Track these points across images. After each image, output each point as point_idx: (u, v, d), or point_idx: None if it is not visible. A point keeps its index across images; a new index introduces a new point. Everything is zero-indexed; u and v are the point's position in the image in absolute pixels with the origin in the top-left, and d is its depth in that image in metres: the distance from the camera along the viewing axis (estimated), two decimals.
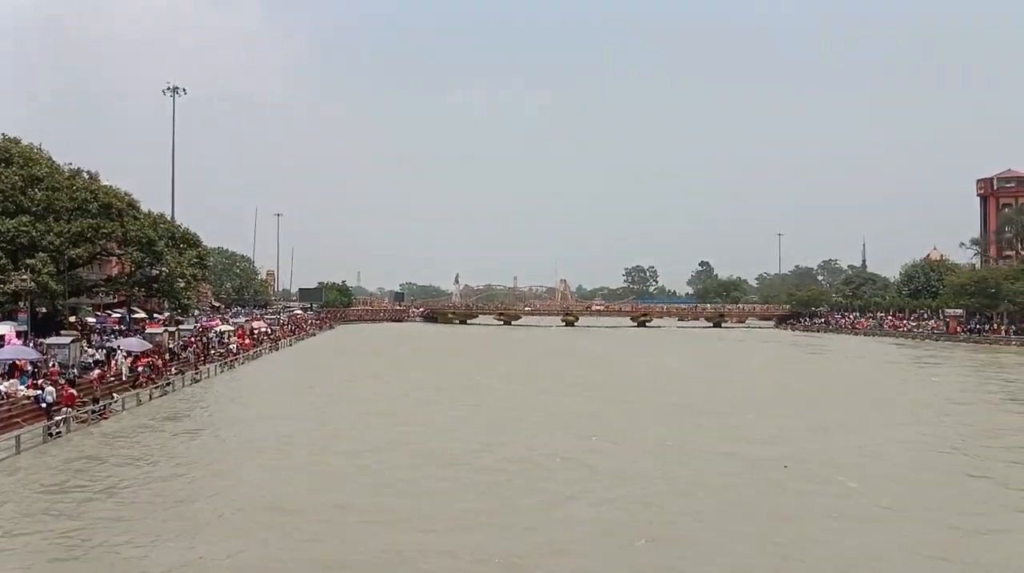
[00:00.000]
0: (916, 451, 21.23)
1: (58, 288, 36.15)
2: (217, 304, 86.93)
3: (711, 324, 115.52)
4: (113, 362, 32.62)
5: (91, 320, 43.76)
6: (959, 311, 79.67)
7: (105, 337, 38.74)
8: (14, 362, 26.20)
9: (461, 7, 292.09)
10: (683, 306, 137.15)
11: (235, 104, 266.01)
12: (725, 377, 41.12)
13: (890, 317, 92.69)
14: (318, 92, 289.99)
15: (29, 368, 26.40)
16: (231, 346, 49.46)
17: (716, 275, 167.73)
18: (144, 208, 44.78)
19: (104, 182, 42.40)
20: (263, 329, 64.32)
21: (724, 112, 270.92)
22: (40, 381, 25.53)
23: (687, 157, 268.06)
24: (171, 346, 40.72)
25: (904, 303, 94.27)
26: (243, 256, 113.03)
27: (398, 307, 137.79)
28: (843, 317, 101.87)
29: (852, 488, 16.84)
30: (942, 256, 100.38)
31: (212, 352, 45.60)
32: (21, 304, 33.89)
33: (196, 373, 38.09)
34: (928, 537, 13.69)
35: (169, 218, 50.63)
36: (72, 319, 40.31)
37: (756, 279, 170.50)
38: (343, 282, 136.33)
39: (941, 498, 16.33)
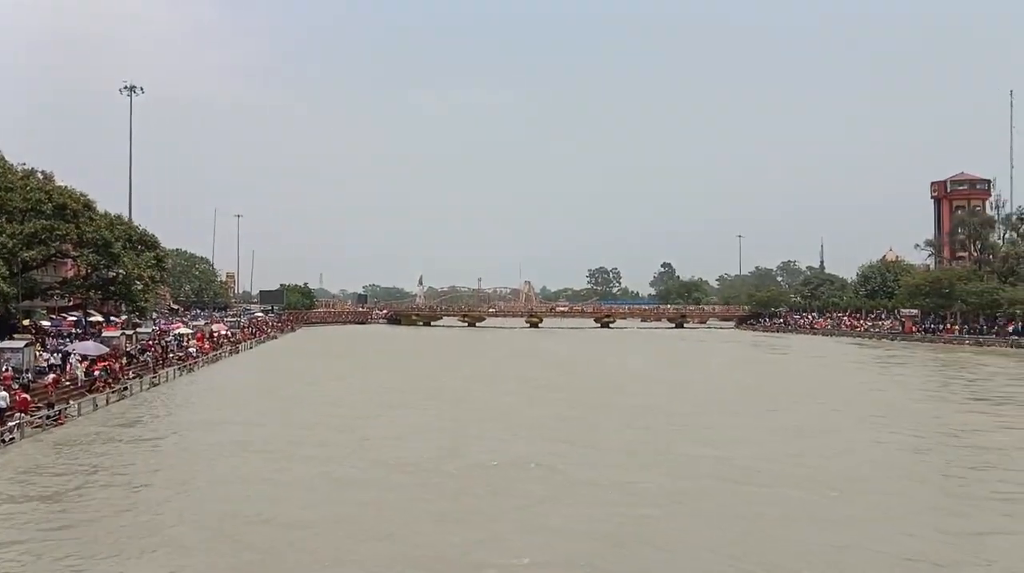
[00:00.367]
0: (888, 452, 21.26)
1: (11, 291, 35.23)
2: (176, 307, 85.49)
3: (673, 325, 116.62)
4: (68, 366, 31.90)
5: (46, 323, 42.74)
6: (914, 311, 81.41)
7: (60, 341, 37.87)
8: None
9: (437, 5, 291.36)
10: (645, 307, 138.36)
11: (193, 104, 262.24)
12: (690, 378, 41.42)
13: (847, 317, 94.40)
14: (278, 92, 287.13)
15: None
16: (190, 349, 48.68)
17: (678, 276, 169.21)
18: (101, 209, 43.92)
19: (59, 182, 41.51)
20: (223, 332, 63.39)
21: (677, 114, 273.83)
22: None
23: (653, 160, 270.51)
24: (129, 349, 39.93)
25: (861, 303, 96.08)
26: (202, 258, 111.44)
27: (361, 309, 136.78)
28: (802, 317, 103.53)
29: (825, 491, 16.63)
30: (898, 257, 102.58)
31: (171, 355, 44.82)
32: None
33: (154, 377, 37.40)
34: (904, 538, 13.63)
35: (126, 219, 49.78)
36: (26, 322, 39.37)
37: (717, 280, 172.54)
38: (305, 284, 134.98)
39: (916, 499, 16.36)
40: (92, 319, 48.53)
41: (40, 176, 40.88)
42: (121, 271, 42.92)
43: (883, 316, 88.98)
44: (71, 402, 27.25)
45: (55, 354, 33.16)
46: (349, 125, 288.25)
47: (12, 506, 15.50)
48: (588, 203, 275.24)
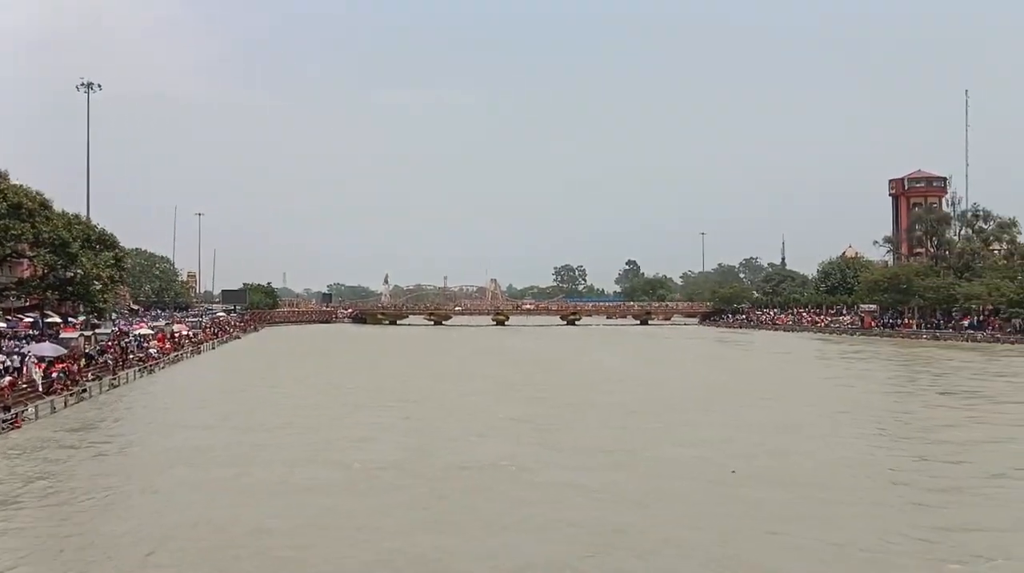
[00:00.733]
0: (863, 449, 21.07)
1: None
2: (136, 307, 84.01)
3: (638, 322, 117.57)
4: (25, 369, 31.16)
5: (1, 325, 41.67)
6: (873, 307, 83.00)
7: (17, 343, 36.97)
8: None
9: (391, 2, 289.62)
10: (611, 304, 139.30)
11: (154, 100, 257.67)
12: (659, 375, 41.34)
13: (808, 313, 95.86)
14: (240, 89, 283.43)
15: None
16: (151, 350, 47.88)
17: (643, 274, 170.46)
18: (58, 208, 43.02)
19: (15, 181, 40.54)
20: (184, 332, 62.48)
21: (644, 114, 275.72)
22: None
23: (617, 159, 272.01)
24: (87, 351, 39.14)
25: (822, 299, 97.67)
26: (163, 257, 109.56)
27: (326, 308, 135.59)
28: (764, 313, 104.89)
29: (805, 490, 16.42)
30: (857, 254, 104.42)
31: (131, 357, 44.04)
32: None
33: (114, 379, 36.69)
34: (885, 535, 13.49)
35: (84, 218, 48.84)
36: None
37: (681, 277, 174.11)
38: (268, 283, 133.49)
39: (895, 497, 16.29)
40: (49, 320, 47.44)
41: None
42: (79, 271, 42.13)
43: (843, 312, 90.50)
44: (28, 405, 26.63)
45: (11, 356, 32.33)
46: (313, 123, 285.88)
47: None
48: (553, 201, 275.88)
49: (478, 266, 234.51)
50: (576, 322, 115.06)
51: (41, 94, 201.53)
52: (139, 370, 41.23)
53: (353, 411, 28.46)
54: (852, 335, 79.05)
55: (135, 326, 55.10)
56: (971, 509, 15.39)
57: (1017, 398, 31.33)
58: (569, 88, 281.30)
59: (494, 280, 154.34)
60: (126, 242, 56.48)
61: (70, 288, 43.32)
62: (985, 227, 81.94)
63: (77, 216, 46.30)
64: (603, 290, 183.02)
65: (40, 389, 30.23)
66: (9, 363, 30.96)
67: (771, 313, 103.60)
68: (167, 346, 52.33)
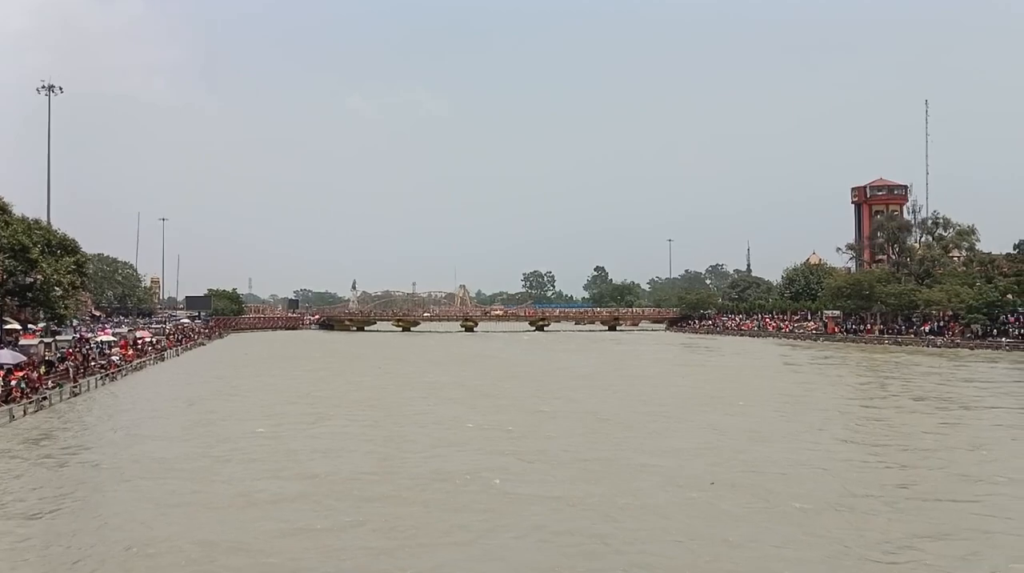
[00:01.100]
0: (841, 458, 20.78)
1: None
2: (98, 313, 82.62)
3: (606, 327, 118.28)
4: None
5: None
6: (837, 312, 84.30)
7: None
8: None
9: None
10: (579, 310, 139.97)
11: (116, 102, 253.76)
12: (630, 382, 40.89)
13: (773, 319, 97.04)
14: (203, 92, 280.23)
15: None
16: (113, 357, 47.04)
17: (611, 280, 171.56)
18: (17, 212, 42.22)
19: None
20: (148, 339, 61.53)
21: (612, 116, 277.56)
22: None
23: (588, 164, 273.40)
24: (48, 358, 38.32)
25: (786, 305, 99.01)
26: (126, 263, 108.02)
27: (292, 314, 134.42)
28: (729, 319, 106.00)
29: (788, 504, 16.00)
30: (821, 260, 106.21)
31: (92, 364, 43.20)
32: None
33: (75, 386, 35.96)
34: (866, 547, 13.30)
35: (45, 223, 47.93)
36: None
37: (648, 283, 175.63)
38: (234, 289, 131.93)
39: (876, 505, 16.03)
40: (8, 327, 46.41)
41: None
42: (39, 277, 41.34)
43: (807, 317, 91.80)
44: None
45: None
46: (280, 127, 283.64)
47: None
48: (522, 208, 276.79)
49: (447, 272, 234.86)
50: (545, 328, 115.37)
51: (0, 96, 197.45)
52: (101, 378, 40.44)
53: (318, 421, 27.67)
54: (816, 341, 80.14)
55: (97, 333, 54.18)
56: (967, 516, 15.30)
57: (991, 403, 31.66)
58: (539, 94, 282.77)
59: (463, 286, 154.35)
60: (88, 247, 55.66)
61: (30, 294, 42.48)
62: (945, 234, 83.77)
63: (37, 221, 45.44)
64: (572, 296, 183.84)
65: None
66: None
67: (736, 319, 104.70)
68: (130, 353, 51.44)
